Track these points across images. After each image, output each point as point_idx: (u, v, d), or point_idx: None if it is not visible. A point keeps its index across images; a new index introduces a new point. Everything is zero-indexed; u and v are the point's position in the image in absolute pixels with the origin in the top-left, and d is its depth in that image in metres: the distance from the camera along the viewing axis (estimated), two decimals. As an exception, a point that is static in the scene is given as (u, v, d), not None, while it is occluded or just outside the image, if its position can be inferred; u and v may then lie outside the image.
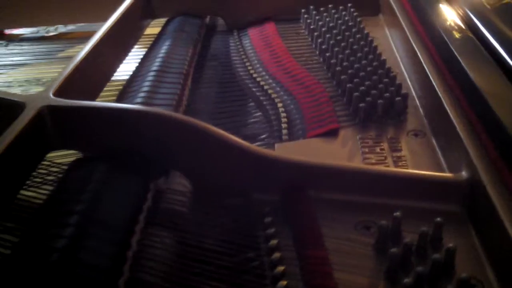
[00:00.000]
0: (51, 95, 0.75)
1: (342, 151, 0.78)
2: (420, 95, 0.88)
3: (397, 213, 0.61)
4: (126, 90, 0.94)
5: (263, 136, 0.86)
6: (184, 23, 1.19)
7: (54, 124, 0.73)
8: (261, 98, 0.95)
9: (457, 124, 0.70)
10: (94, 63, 0.92)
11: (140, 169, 0.70)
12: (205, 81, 1.04)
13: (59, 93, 0.77)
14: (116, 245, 0.58)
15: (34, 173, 0.72)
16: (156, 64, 0.99)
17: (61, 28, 1.34)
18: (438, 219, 0.60)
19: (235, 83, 1.04)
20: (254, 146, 0.70)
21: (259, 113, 0.93)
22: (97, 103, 0.74)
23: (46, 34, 1.31)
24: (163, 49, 1.05)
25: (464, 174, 0.65)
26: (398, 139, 0.79)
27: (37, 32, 1.32)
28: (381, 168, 0.70)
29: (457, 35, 0.88)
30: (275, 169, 0.69)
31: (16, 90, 1.07)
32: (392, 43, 1.08)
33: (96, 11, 1.23)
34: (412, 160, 0.75)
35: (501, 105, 0.68)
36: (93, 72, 0.91)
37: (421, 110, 0.86)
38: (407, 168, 0.73)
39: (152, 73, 0.96)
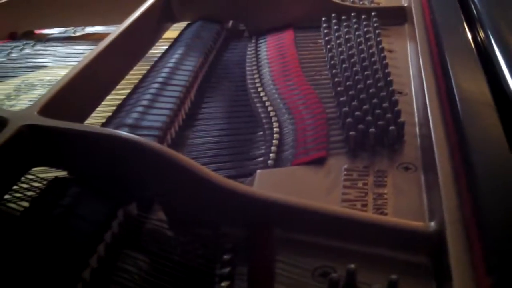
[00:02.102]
0: (35, 113, 0.76)
1: (323, 184, 0.74)
2: (421, 123, 0.83)
3: (352, 266, 0.57)
4: (125, 102, 0.94)
5: (259, 159, 0.84)
6: (201, 29, 1.17)
7: (34, 143, 0.73)
8: (262, 115, 0.93)
9: (439, 167, 0.65)
10: (94, 74, 0.92)
11: (109, 194, 0.70)
12: (212, 92, 1.03)
13: (44, 111, 0.77)
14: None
15: (16, 187, 0.73)
16: (159, 76, 0.99)
17: (89, 29, 1.35)
18: (394, 276, 0.56)
19: (243, 96, 1.01)
20: (223, 179, 0.68)
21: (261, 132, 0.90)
22: (75, 125, 0.73)
23: (73, 35, 1.33)
24: (171, 58, 1.04)
25: (432, 225, 0.60)
26: (385, 173, 0.75)
27: (64, 32, 1.34)
28: (345, 210, 0.66)
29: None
30: (242, 203, 0.67)
31: (39, 92, 1.08)
32: (410, 58, 1.02)
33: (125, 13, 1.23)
34: (393, 199, 0.70)
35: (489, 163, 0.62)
36: (91, 83, 0.91)
37: (418, 140, 0.80)
38: (385, 208, 0.69)
39: (153, 86, 0.95)
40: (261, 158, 0.82)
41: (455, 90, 0.74)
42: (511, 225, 0.54)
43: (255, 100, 0.97)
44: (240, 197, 0.66)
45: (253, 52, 1.13)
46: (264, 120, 0.91)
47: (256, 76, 1.04)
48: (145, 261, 0.66)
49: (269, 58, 1.09)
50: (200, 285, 0.63)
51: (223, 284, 0.60)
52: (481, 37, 0.90)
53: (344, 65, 0.96)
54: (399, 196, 0.71)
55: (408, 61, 1.02)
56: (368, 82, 0.89)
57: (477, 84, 0.76)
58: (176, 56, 1.05)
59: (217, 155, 0.87)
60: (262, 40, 1.17)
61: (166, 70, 1.00)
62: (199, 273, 0.64)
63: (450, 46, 0.86)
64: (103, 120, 0.91)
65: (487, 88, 0.74)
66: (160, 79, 0.97)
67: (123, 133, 0.74)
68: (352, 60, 0.97)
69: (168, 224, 0.70)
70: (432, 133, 0.71)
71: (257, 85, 1.01)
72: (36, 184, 0.72)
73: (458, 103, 0.72)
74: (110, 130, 0.77)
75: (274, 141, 0.84)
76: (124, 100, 0.95)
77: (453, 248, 0.54)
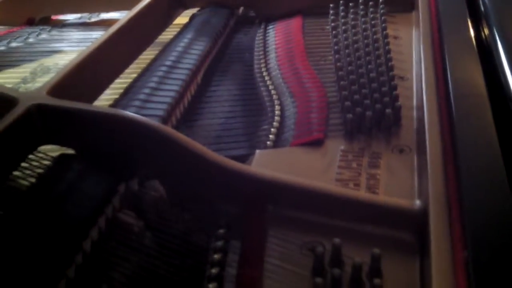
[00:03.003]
0: (44, 94, 0.79)
1: (319, 164, 0.76)
2: (418, 107, 0.84)
3: (337, 240, 0.60)
4: (133, 85, 0.97)
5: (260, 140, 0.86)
6: (211, 15, 1.19)
7: (42, 121, 0.76)
8: (265, 98, 0.95)
9: (429, 148, 0.67)
10: (103, 58, 0.95)
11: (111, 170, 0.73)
12: (219, 77, 1.05)
13: (53, 91, 0.80)
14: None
15: (26, 164, 0.76)
16: (167, 59, 1.01)
17: (104, 15, 1.38)
18: (376, 250, 0.58)
19: (249, 80, 1.03)
20: (218, 157, 0.70)
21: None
22: (80, 104, 0.76)
23: (88, 21, 1.36)
24: (179, 42, 1.07)
25: (418, 203, 0.62)
26: (380, 154, 0.77)
27: (80, 18, 1.37)
28: (334, 188, 0.68)
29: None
30: (237, 180, 0.69)
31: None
32: (413, 45, 1.03)
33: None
34: (385, 179, 0.72)
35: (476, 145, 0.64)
36: (100, 66, 0.94)
37: (415, 123, 0.82)
38: (377, 187, 0.71)
39: (160, 69, 0.98)
40: (262, 139, 0.84)
41: (449, 78, 0.75)
42: (491, 206, 0.55)
43: (260, 84, 0.99)
44: (234, 174, 0.69)
45: (261, 37, 1.15)
46: (267, 103, 0.93)
47: (262, 61, 1.06)
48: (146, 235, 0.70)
49: (276, 44, 1.11)
50: (195, 257, 0.66)
51: (215, 256, 0.63)
52: (484, 31, 0.91)
53: (347, 51, 0.97)
54: (391, 177, 0.72)
55: (412, 48, 1.03)
56: (369, 67, 0.91)
57: (472, 75, 0.77)
58: (185, 40, 1.08)
59: (220, 136, 0.89)
60: (271, 26, 1.19)
61: (174, 54, 1.03)
62: (196, 246, 0.67)
63: (450, 35, 0.87)
64: (111, 102, 0.94)
65: (483, 80, 0.75)
66: (167, 62, 0.99)
67: (126, 112, 0.77)
68: (356, 45, 0.98)
69: (169, 199, 0.73)
70: (426, 116, 0.73)
71: (263, 69, 1.03)
72: (43, 162, 0.76)
73: (451, 92, 0.73)
74: (113, 110, 0.80)
75: (274, 123, 0.86)
76: (132, 82, 0.98)
77: (434, 224, 0.56)
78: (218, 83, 1.02)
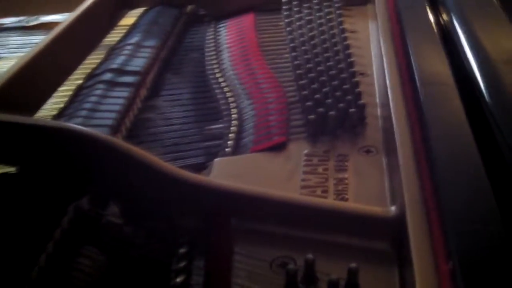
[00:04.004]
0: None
1: (282, 170, 0.71)
2: (382, 104, 0.80)
3: (309, 256, 0.55)
4: (78, 92, 0.90)
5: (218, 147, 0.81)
6: (159, 15, 1.13)
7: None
8: (221, 102, 0.90)
9: (400, 149, 0.63)
10: (45, 64, 0.88)
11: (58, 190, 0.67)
12: (170, 80, 0.99)
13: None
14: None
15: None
16: (114, 63, 0.95)
17: (43, 18, 1.30)
18: (353, 265, 0.54)
19: (203, 83, 0.98)
20: (174, 168, 0.65)
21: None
22: (19, 118, 0.69)
23: (26, 24, 1.28)
24: (126, 45, 1.01)
25: (393, 209, 0.58)
26: (346, 157, 0.72)
27: (18, 22, 1.28)
28: (303, 198, 0.63)
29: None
30: (195, 194, 0.64)
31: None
32: (371, 38, 1.00)
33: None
34: (354, 183, 0.68)
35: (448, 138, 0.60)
36: (41, 74, 0.87)
37: (380, 121, 0.78)
38: (346, 193, 0.66)
39: (106, 74, 0.92)
40: (220, 146, 0.79)
41: (415, 70, 0.72)
42: (472, 208, 0.52)
43: (214, 86, 0.94)
44: (192, 186, 0.64)
45: (212, 37, 1.10)
46: (223, 107, 0.88)
47: (215, 61, 1.00)
48: (101, 258, 0.64)
49: (228, 43, 1.05)
50: (157, 279, 0.60)
51: (178, 279, 0.58)
52: (443, 17, 0.88)
53: (304, 47, 0.93)
54: (360, 181, 0.68)
55: (370, 42, 0.99)
56: (328, 64, 0.87)
57: (437, 63, 0.74)
58: (132, 42, 1.01)
59: (176, 144, 0.83)
60: (222, 25, 1.14)
61: (121, 57, 0.96)
62: (156, 267, 0.62)
63: (411, 26, 0.84)
64: (56, 112, 0.87)
65: (448, 68, 0.72)
66: (114, 67, 0.93)
67: (71, 124, 0.71)
68: (313, 42, 0.94)
69: (123, 218, 0.67)
70: (393, 114, 0.69)
71: (216, 70, 0.98)
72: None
73: (418, 83, 0.70)
74: (57, 122, 0.74)
75: (232, 128, 0.81)
76: (78, 90, 0.91)
77: (413, 232, 0.52)
78: (170, 87, 0.96)
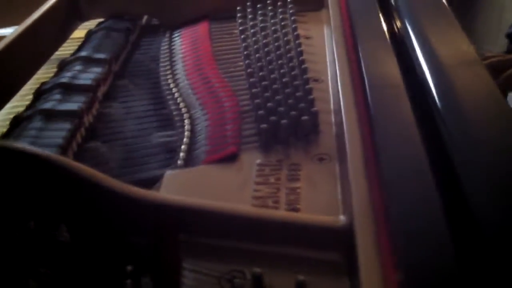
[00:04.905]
0: None
1: (234, 181, 0.70)
2: (336, 111, 0.79)
3: (256, 270, 0.53)
4: (24, 112, 0.87)
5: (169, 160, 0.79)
6: (111, 27, 1.11)
7: None
8: (174, 113, 0.88)
9: (349, 154, 0.62)
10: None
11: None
12: (123, 93, 0.97)
13: None
14: None
15: None
16: (64, 77, 0.92)
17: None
18: (300, 277, 0.52)
19: (157, 94, 0.96)
20: (117, 183, 0.62)
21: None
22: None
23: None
24: (77, 60, 0.98)
25: (343, 219, 0.57)
26: (299, 166, 0.71)
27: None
28: (249, 209, 0.62)
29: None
30: (141, 209, 0.62)
31: None
32: (326, 44, 0.99)
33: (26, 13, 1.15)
34: (306, 193, 0.66)
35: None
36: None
37: (334, 128, 0.77)
38: (298, 203, 0.65)
39: (56, 90, 0.89)
40: (172, 158, 0.77)
41: (364, 72, 0.71)
42: (420, 218, 0.50)
43: (168, 97, 0.92)
44: (138, 202, 0.61)
45: (166, 47, 1.08)
46: (175, 118, 0.86)
47: (168, 72, 0.99)
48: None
49: (183, 53, 1.04)
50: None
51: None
52: (396, 21, 0.88)
53: (257, 55, 0.91)
54: (312, 190, 0.67)
55: (325, 48, 0.98)
56: (282, 71, 0.85)
57: (387, 66, 0.73)
58: (82, 56, 0.99)
59: (127, 158, 0.81)
60: (177, 34, 1.12)
61: (71, 72, 0.94)
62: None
63: (362, 29, 0.83)
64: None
65: (398, 70, 0.71)
66: (64, 81, 0.90)
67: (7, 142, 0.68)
68: (266, 49, 0.93)
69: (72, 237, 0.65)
70: (344, 120, 0.68)
71: (169, 81, 0.96)
72: None
73: (367, 87, 0.68)
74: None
75: (185, 140, 0.79)
76: (26, 109, 0.88)
77: (360, 241, 0.51)
78: (123, 100, 0.94)
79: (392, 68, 0.73)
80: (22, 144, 0.67)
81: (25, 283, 0.61)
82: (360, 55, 0.76)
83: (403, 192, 0.54)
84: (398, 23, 0.87)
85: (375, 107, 0.65)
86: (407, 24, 0.84)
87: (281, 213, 0.61)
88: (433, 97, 0.67)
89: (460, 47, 0.77)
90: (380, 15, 0.89)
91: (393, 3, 0.92)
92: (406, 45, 0.79)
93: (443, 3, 0.88)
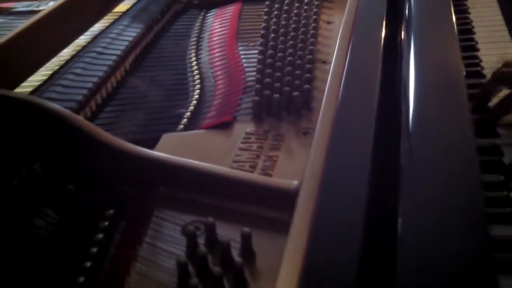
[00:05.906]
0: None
1: (221, 147, 0.76)
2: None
3: (210, 219, 0.59)
4: (59, 70, 0.97)
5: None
6: (151, 2, 1.19)
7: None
8: (190, 83, 0.95)
9: (318, 128, 0.67)
10: (29, 42, 0.95)
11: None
12: (150, 64, 1.05)
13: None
14: None
15: None
16: (96, 45, 1.01)
17: (53, 3, 1.37)
18: (246, 229, 0.58)
19: (179, 67, 1.03)
20: (112, 138, 0.70)
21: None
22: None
23: (36, 9, 1.35)
24: (112, 29, 1.07)
25: (295, 183, 0.62)
26: (283, 137, 0.76)
27: (29, 6, 1.37)
28: (216, 168, 0.67)
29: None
30: (130, 162, 0.69)
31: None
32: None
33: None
34: (282, 161, 0.72)
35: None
36: (25, 51, 0.94)
37: (324, 106, 0.81)
38: (271, 169, 0.70)
39: (87, 54, 0.98)
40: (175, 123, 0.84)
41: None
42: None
43: (188, 69, 0.99)
44: (127, 156, 0.69)
45: (198, 24, 1.15)
46: (190, 88, 0.93)
47: (194, 47, 1.06)
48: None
49: (211, 30, 1.10)
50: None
51: (99, 236, 0.63)
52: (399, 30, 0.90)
53: (273, 35, 0.97)
54: (288, 159, 0.72)
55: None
56: (290, 51, 0.90)
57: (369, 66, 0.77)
58: (118, 27, 1.07)
59: (141, 119, 0.89)
60: (211, 13, 1.19)
61: (104, 40, 1.03)
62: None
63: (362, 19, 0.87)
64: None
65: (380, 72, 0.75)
66: (96, 49, 1.00)
67: (20, 93, 0.77)
68: (283, 30, 0.98)
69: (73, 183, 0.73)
70: (324, 98, 0.72)
71: (192, 55, 1.03)
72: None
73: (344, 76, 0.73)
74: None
75: (190, 107, 0.86)
76: (60, 68, 0.98)
77: (300, 203, 0.56)
78: (147, 70, 1.02)
79: (373, 67, 0.76)
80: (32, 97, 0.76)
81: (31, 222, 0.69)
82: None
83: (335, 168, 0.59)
84: (402, 32, 0.88)
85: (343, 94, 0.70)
86: (407, 34, 0.85)
87: (245, 174, 0.67)
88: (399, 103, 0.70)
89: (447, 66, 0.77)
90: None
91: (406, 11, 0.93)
92: (396, 53, 0.81)
93: (452, 21, 0.87)
